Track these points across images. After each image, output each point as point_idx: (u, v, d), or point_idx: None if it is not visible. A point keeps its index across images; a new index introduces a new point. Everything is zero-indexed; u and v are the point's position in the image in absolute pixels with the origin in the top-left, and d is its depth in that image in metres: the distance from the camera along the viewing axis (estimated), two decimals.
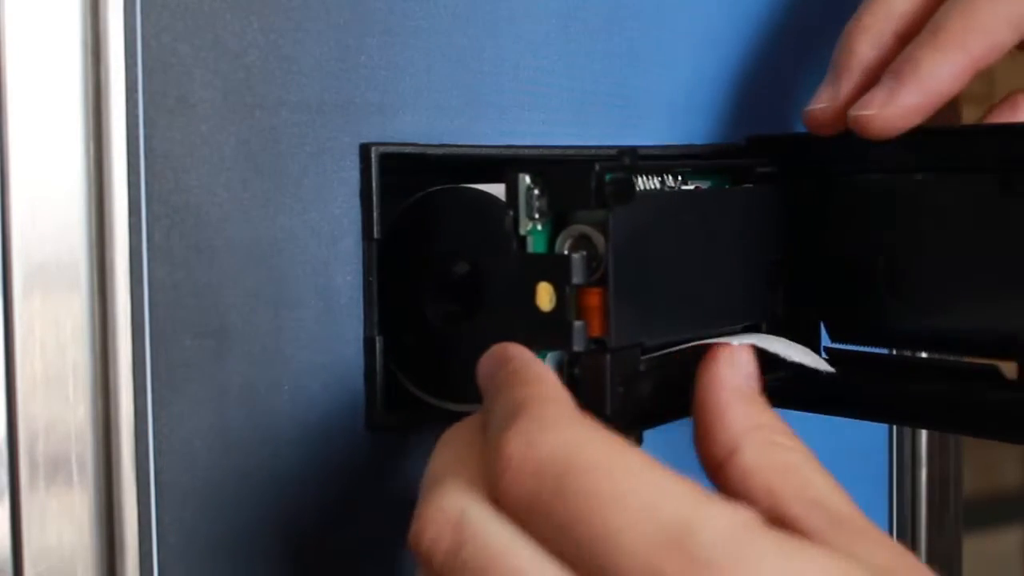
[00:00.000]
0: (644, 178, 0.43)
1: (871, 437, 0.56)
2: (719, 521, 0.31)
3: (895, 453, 0.56)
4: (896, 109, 0.44)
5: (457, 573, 0.33)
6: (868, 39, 0.46)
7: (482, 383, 0.37)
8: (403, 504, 0.46)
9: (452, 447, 0.36)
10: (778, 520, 0.34)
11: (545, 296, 0.39)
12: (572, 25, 0.48)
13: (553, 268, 0.39)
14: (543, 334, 0.39)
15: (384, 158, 0.45)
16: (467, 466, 0.35)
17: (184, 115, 0.41)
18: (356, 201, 0.45)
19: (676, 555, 0.30)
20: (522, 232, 0.40)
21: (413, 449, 0.46)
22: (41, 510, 0.39)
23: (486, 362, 0.37)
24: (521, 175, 0.39)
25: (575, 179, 0.39)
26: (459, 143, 0.46)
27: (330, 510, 0.45)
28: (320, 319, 0.44)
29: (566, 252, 0.39)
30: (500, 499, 0.33)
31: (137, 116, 0.40)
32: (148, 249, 0.40)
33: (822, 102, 0.46)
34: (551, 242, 0.40)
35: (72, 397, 0.39)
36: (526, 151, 0.47)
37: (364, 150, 0.45)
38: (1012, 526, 2.31)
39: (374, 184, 0.45)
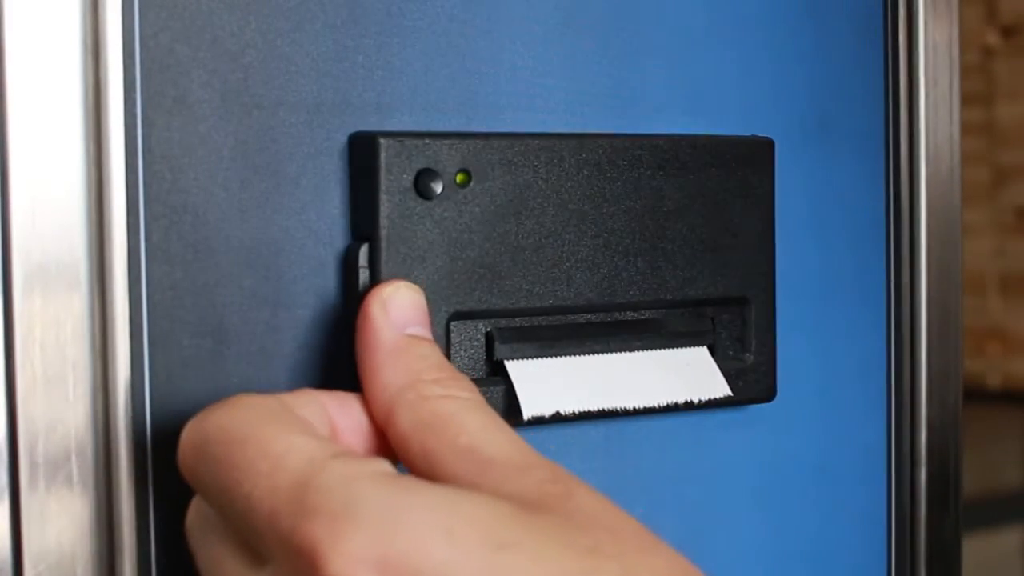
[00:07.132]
0: None
1: (870, 436, 0.56)
2: (335, 472, 0.33)
3: (894, 452, 0.56)
4: None
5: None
6: None
7: None
8: None
9: None
10: (436, 476, 0.35)
11: None
12: (571, 25, 0.48)
13: None
14: None
15: None
16: None
17: (182, 115, 0.41)
18: None
19: (293, 505, 0.32)
20: None
21: None
22: (41, 510, 0.39)
23: None
24: None
25: None
26: None
27: None
28: (318, 319, 0.44)
29: None
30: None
31: (135, 116, 0.40)
32: (146, 249, 0.40)
33: None
34: None
35: (72, 397, 0.39)
36: None
37: None
38: (1012, 526, 2.31)
39: None
